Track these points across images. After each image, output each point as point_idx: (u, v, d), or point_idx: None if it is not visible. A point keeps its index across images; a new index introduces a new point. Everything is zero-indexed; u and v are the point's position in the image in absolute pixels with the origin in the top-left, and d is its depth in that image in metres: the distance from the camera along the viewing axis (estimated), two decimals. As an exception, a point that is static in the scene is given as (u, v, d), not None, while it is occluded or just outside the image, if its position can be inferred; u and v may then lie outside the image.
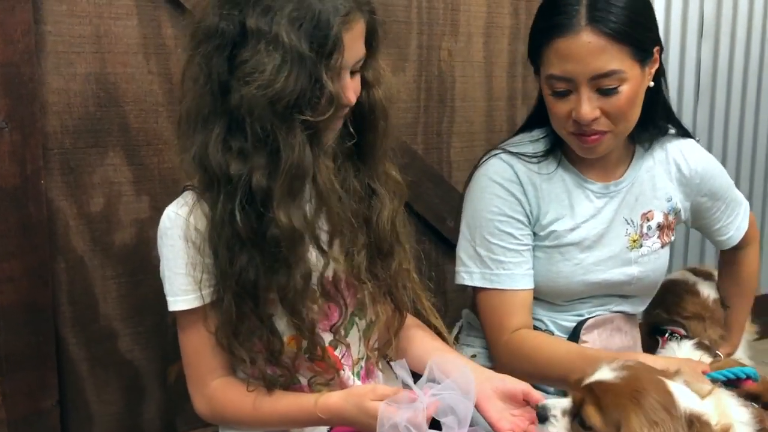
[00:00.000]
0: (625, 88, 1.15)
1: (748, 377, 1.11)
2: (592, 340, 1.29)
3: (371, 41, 1.02)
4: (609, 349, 1.30)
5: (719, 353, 1.43)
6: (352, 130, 1.05)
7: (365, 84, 1.03)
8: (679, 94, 2.18)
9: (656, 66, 1.21)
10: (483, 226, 1.26)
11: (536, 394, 1.02)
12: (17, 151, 1.23)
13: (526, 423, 1.00)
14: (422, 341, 1.18)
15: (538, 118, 1.30)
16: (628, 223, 1.30)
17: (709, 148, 2.28)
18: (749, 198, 2.37)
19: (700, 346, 1.43)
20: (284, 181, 0.94)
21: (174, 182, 1.33)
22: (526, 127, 1.34)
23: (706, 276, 1.64)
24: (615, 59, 1.12)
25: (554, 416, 0.94)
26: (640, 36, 1.15)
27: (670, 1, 2.10)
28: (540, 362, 1.21)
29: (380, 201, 1.09)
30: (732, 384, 1.09)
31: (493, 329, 1.27)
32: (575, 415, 0.92)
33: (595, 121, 1.16)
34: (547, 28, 1.17)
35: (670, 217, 1.33)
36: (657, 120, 1.29)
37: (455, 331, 1.45)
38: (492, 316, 1.27)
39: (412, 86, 1.67)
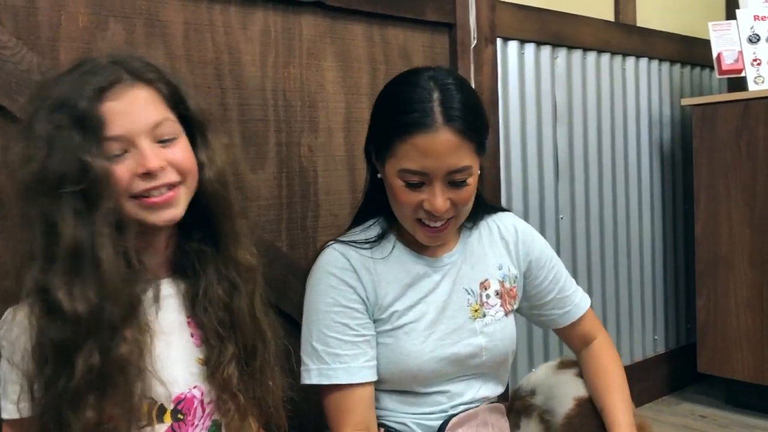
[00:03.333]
0: (471, 180, 1.24)
1: None
2: None
3: (180, 108, 1.04)
4: None
5: None
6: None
7: (199, 165, 1.05)
8: (540, 174, 2.28)
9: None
10: (319, 320, 1.26)
11: None
12: None
13: None
14: None
15: (367, 209, 1.37)
16: (468, 293, 1.34)
17: (573, 225, 2.38)
18: (614, 265, 2.50)
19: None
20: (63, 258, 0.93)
21: None
22: (360, 219, 1.39)
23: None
24: (467, 156, 1.21)
25: None
26: (482, 132, 1.26)
27: (524, 90, 2.22)
28: None
29: (239, 295, 1.07)
30: None
31: (333, 427, 1.26)
32: None
33: (445, 211, 1.23)
34: (403, 124, 1.21)
35: (506, 284, 1.39)
36: (476, 201, 1.36)
37: None
38: (332, 413, 1.26)
39: (273, 183, 1.66)
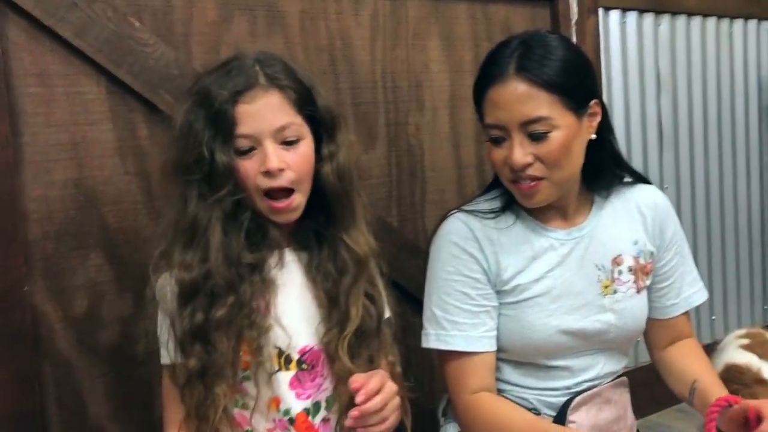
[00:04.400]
0: (556, 135, 1.17)
1: None
2: (579, 419, 1.28)
3: (308, 111, 1.12)
4: (598, 424, 1.29)
5: None
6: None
7: (320, 159, 1.14)
8: (644, 144, 2.25)
9: (597, 119, 1.25)
10: (440, 287, 1.27)
11: None
12: (-1, 261, 1.26)
13: None
14: None
15: (495, 180, 1.34)
16: (599, 269, 1.29)
17: (678, 195, 2.35)
18: (721, 234, 2.45)
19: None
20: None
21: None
22: (485, 190, 1.38)
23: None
24: (543, 106, 1.17)
25: None
26: (571, 87, 1.19)
27: (626, 60, 2.19)
28: (493, 428, 1.23)
29: (348, 276, 1.16)
30: None
31: (453, 390, 1.28)
32: None
33: (529, 166, 1.19)
34: (482, 79, 1.23)
35: (641, 261, 1.32)
36: (608, 169, 1.32)
37: (443, 403, 1.44)
38: (451, 377, 1.27)
39: (383, 162, 1.72)
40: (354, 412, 1.02)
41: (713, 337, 2.41)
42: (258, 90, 1.07)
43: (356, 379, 1.04)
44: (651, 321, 1.38)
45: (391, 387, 1.07)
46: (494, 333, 1.27)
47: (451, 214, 1.32)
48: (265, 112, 1.08)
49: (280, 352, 1.13)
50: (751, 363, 1.44)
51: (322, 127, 1.14)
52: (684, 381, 1.33)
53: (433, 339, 1.27)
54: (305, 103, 1.11)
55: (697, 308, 2.30)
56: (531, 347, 1.28)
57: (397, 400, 1.08)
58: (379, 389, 1.04)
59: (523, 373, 1.31)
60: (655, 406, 2.25)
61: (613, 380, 1.35)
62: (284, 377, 1.13)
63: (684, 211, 2.37)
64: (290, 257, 1.17)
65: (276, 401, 1.14)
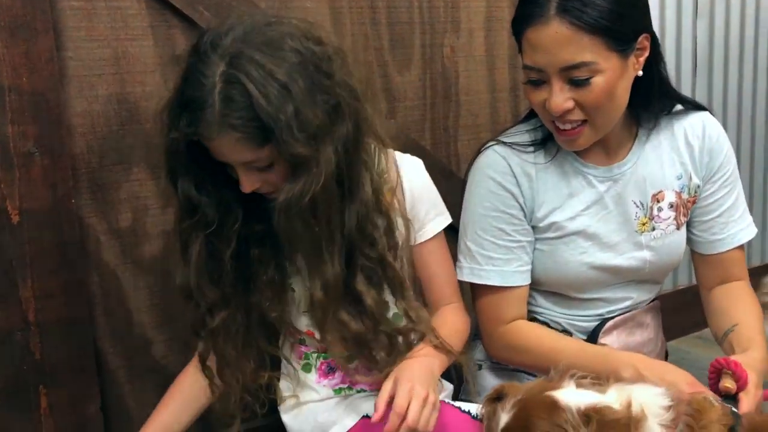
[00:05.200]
0: (598, 80, 1.11)
1: None
2: (610, 341, 1.29)
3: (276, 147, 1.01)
4: (628, 347, 1.30)
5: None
6: None
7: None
8: (678, 68, 2.22)
9: (645, 54, 1.17)
10: (476, 222, 1.26)
11: None
12: (48, 174, 1.28)
13: None
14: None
15: (533, 111, 1.28)
16: (637, 206, 1.26)
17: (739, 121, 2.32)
18: (750, 173, 2.44)
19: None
20: None
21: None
22: (526, 117, 1.33)
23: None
24: (586, 51, 1.10)
25: None
26: (617, 27, 1.11)
27: (664, -17, 2.14)
28: (539, 354, 1.22)
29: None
30: None
31: (487, 322, 1.29)
32: None
33: (569, 112, 1.14)
34: (521, 17, 1.16)
35: (684, 196, 1.28)
36: (655, 100, 1.25)
37: (476, 349, 1.42)
38: (485, 310, 1.29)
39: (418, 84, 1.71)
40: None
41: (749, 264, 2.41)
42: (214, 132, 0.99)
43: (378, 406, 1.01)
44: (697, 256, 1.35)
45: (419, 394, 1.01)
46: (528, 267, 1.27)
47: (490, 145, 1.28)
48: (225, 152, 1.02)
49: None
50: None
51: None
52: (721, 324, 1.30)
53: (467, 273, 1.28)
54: (265, 141, 1.00)
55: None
56: (564, 282, 1.29)
57: (431, 404, 1.03)
58: (407, 403, 1.00)
59: (555, 302, 1.32)
60: (677, 332, 2.29)
61: (646, 305, 1.36)
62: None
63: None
64: None
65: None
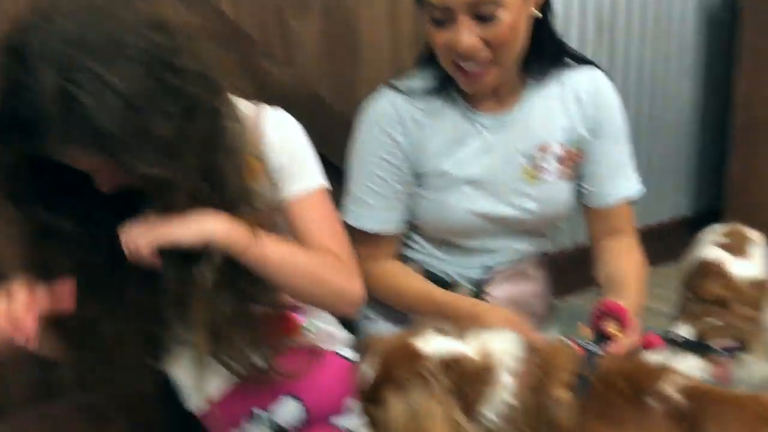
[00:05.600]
0: (504, 15, 1.11)
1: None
2: (497, 292, 1.31)
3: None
4: (515, 298, 1.32)
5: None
6: None
7: None
8: (582, 29, 2.22)
9: None
10: (359, 166, 1.28)
11: None
12: None
13: None
14: None
15: (429, 56, 1.27)
16: (524, 156, 1.27)
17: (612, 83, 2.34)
18: (649, 126, 2.49)
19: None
20: None
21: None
22: (418, 65, 1.32)
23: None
24: None
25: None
26: None
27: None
28: (399, 297, 1.29)
29: None
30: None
31: (362, 263, 1.25)
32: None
33: (476, 51, 1.13)
34: None
35: (570, 148, 1.30)
36: (547, 50, 1.26)
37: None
38: (360, 251, 1.24)
39: (317, 33, 1.63)
40: None
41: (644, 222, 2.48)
42: (57, 149, 0.87)
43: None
44: (587, 210, 1.37)
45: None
46: (404, 216, 1.30)
47: (380, 91, 1.28)
48: (71, 162, 0.91)
49: None
50: (721, 258, 1.41)
51: None
52: (604, 273, 1.32)
53: (349, 215, 1.30)
54: (113, 156, 0.87)
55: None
56: (450, 229, 1.30)
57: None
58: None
59: (442, 250, 1.34)
60: (573, 288, 2.32)
61: (533, 258, 1.38)
62: None
63: (616, 101, 2.37)
64: None
65: None
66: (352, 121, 1.71)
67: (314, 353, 1.16)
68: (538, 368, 0.93)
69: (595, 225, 1.38)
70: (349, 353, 1.20)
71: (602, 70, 1.33)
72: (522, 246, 1.34)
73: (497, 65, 1.16)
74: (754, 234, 1.47)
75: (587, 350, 1.01)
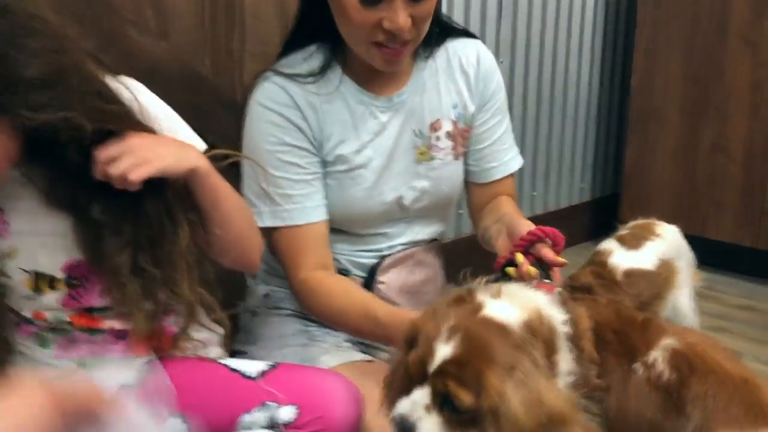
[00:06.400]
0: None
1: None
2: (389, 279, 1.26)
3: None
4: (407, 285, 1.27)
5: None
6: None
7: None
8: (483, 11, 2.18)
9: None
10: (265, 161, 1.17)
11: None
12: None
13: None
14: None
15: (307, 32, 1.21)
16: (417, 135, 1.25)
17: (512, 69, 2.32)
18: (549, 111, 2.50)
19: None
20: None
21: None
22: (296, 44, 1.24)
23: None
24: None
25: (420, 418, 0.82)
26: None
27: None
28: (331, 312, 1.18)
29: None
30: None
31: (290, 268, 1.20)
32: (441, 405, 0.82)
33: (408, 30, 1.10)
34: None
35: (460, 125, 1.29)
36: (434, 26, 1.22)
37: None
38: (287, 255, 1.20)
39: (195, 2, 1.51)
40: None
41: (533, 212, 2.49)
42: None
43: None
44: (473, 186, 1.35)
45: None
46: (326, 200, 1.21)
47: (266, 77, 1.19)
48: None
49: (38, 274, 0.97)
50: (609, 249, 1.47)
51: None
52: (487, 223, 1.29)
53: (268, 217, 1.18)
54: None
55: (520, 182, 2.36)
56: (350, 217, 1.24)
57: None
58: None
59: (337, 239, 1.26)
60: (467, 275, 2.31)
61: (426, 244, 1.33)
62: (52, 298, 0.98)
63: (516, 84, 2.36)
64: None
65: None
66: (236, 100, 1.62)
67: (194, 365, 1.05)
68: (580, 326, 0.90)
69: (479, 199, 1.36)
70: (230, 360, 1.09)
71: (479, 40, 1.32)
72: (416, 229, 1.30)
73: (414, 43, 1.15)
74: (664, 229, 1.51)
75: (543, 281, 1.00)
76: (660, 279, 1.44)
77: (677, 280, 1.48)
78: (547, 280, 1.02)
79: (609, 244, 1.50)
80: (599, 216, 2.80)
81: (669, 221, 1.66)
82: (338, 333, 1.25)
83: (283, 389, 1.00)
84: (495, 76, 1.31)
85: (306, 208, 1.18)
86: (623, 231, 1.54)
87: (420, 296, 1.31)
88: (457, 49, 1.28)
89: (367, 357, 1.24)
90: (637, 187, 2.58)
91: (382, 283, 1.26)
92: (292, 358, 1.20)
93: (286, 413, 0.98)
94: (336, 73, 1.20)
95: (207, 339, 1.11)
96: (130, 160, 0.88)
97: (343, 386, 1.03)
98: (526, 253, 1.07)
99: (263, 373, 1.03)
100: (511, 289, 0.92)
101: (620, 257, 1.43)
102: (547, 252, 1.06)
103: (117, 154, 0.88)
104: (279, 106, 1.17)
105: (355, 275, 1.27)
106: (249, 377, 1.02)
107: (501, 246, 1.16)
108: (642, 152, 2.54)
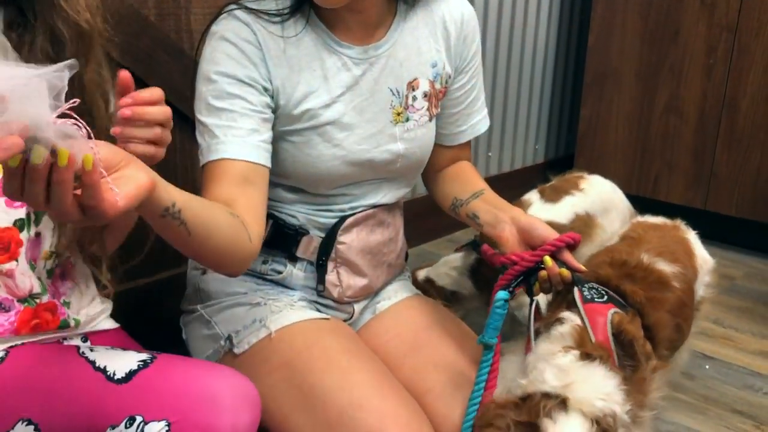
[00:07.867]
0: None
1: None
2: (350, 239, 1.19)
3: None
4: (368, 246, 1.21)
5: None
6: None
7: None
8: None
9: None
10: (209, 90, 1.04)
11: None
12: None
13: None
14: None
15: None
16: (393, 94, 1.15)
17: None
18: (506, 70, 2.46)
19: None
20: None
21: None
22: None
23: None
24: None
25: None
26: None
27: None
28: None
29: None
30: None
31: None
32: None
33: None
34: None
35: (437, 85, 1.20)
36: None
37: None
38: (217, 195, 1.02)
39: (136, -63, 1.41)
40: (125, 111, 0.77)
41: (488, 173, 2.47)
42: None
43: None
44: (435, 147, 1.28)
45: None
46: (270, 147, 1.07)
47: (231, 9, 1.07)
48: None
49: None
50: (528, 201, 1.48)
51: None
52: (458, 192, 1.26)
53: (206, 152, 1.03)
54: None
55: (475, 143, 2.33)
56: (315, 177, 1.14)
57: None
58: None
59: (298, 199, 1.18)
60: (427, 236, 2.28)
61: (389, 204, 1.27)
62: None
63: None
64: None
65: None
66: (183, 47, 1.53)
67: (55, 361, 0.89)
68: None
69: (440, 160, 1.30)
70: (97, 353, 0.91)
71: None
72: (385, 192, 1.23)
73: None
74: (590, 183, 1.49)
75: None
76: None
77: (596, 236, 1.46)
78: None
79: (530, 196, 1.50)
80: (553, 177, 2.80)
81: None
82: (293, 292, 1.20)
83: (154, 397, 0.82)
84: (476, 37, 1.24)
85: (246, 142, 1.03)
86: (547, 184, 1.53)
87: (381, 257, 1.25)
88: (441, 4, 1.19)
89: (323, 315, 1.19)
90: (591, 148, 2.58)
91: (343, 243, 1.19)
92: (243, 317, 1.14)
93: (155, 430, 0.79)
94: (305, 15, 1.09)
95: (96, 313, 1.03)
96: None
97: (232, 388, 0.84)
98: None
99: (132, 374, 0.85)
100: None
101: (537, 209, 1.42)
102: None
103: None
104: (237, 39, 1.05)
105: (314, 234, 1.21)
106: (115, 380, 0.85)
107: (506, 240, 1.14)
108: (597, 113, 2.54)
